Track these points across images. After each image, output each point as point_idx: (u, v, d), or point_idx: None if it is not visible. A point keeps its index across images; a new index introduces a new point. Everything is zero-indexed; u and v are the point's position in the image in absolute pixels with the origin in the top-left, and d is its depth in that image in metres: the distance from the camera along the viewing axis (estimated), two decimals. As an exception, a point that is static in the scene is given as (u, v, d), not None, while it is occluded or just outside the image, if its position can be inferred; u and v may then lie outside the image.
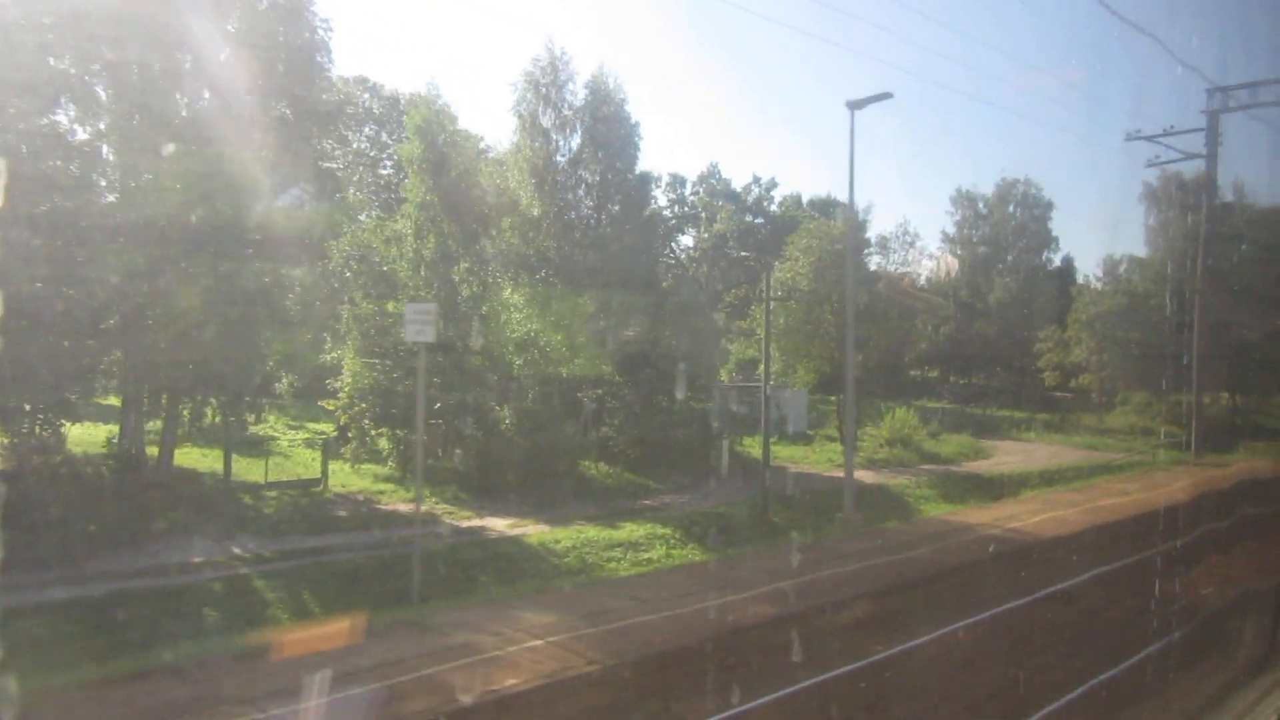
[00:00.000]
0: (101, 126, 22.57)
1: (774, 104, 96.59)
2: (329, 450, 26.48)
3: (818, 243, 34.47)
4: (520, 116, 31.92)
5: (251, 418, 38.45)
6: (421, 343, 14.87)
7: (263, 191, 23.10)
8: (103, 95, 22.40)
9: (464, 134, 33.18)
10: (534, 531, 21.12)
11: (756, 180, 60.14)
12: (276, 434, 35.03)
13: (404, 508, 23.09)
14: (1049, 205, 62.00)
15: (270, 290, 22.60)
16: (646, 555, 19.98)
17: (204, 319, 20.98)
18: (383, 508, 23.02)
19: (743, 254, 54.02)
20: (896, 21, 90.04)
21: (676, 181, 59.98)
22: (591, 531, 21.11)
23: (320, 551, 18.34)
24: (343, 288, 28.73)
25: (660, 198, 60.75)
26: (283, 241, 23.15)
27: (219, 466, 25.30)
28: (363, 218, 41.78)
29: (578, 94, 31.71)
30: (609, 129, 31.17)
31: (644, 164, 59.64)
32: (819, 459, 33.42)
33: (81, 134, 22.23)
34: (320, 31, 24.21)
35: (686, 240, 61.22)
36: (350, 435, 27.90)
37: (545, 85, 31.95)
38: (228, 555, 17.97)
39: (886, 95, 18.56)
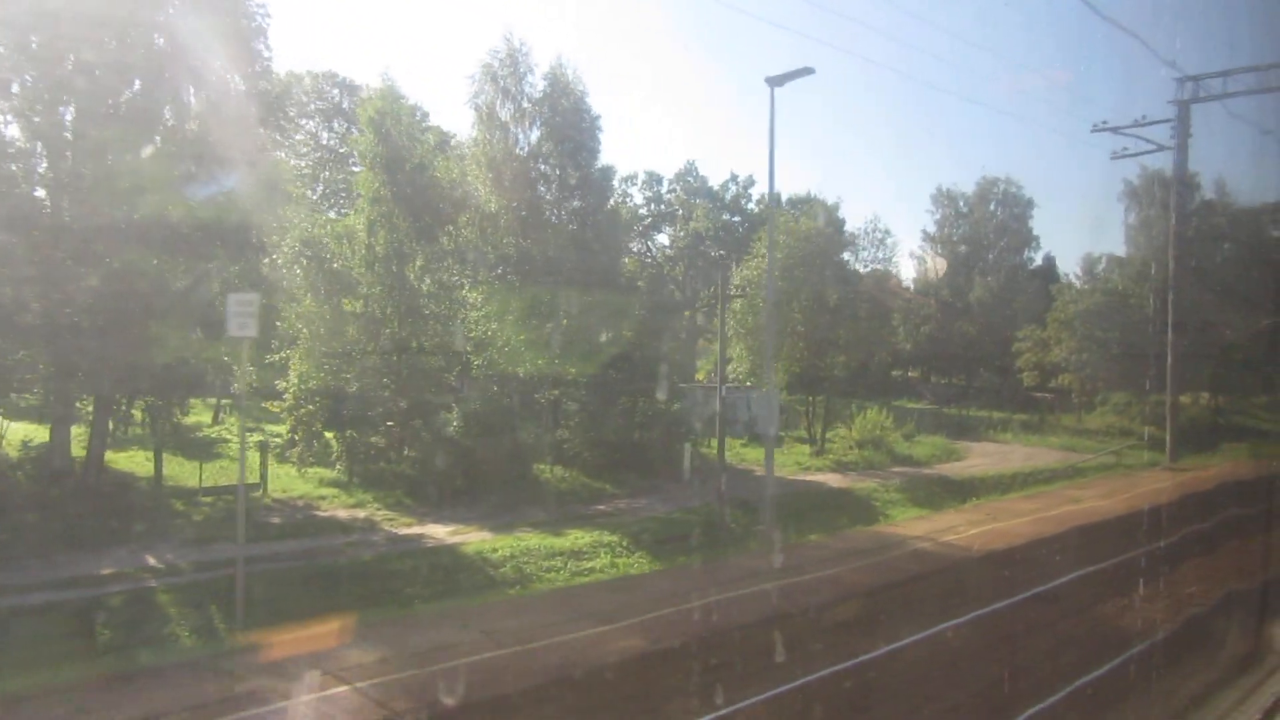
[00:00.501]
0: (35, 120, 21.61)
1: (755, 102, 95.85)
2: (269, 453, 25.43)
3: (785, 239, 33.57)
4: (477, 109, 30.98)
5: (209, 419, 37.73)
6: (245, 337, 13.57)
7: (194, 184, 22.15)
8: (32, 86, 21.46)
9: (421, 127, 32.26)
10: (475, 539, 20.16)
11: (734, 178, 59.19)
12: (230, 436, 33.99)
13: (343, 514, 22.16)
14: (1029, 203, 61.44)
15: (199, 287, 21.60)
16: (589, 564, 19.04)
17: (124, 318, 19.99)
18: (320, 514, 22.05)
19: (720, 253, 53.16)
20: (879, 18, 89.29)
21: (653, 179, 59.10)
22: (534, 539, 20.15)
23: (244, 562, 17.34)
24: (290, 285, 27.77)
25: (636, 195, 59.95)
26: (216, 236, 22.21)
27: (166, 470, 24.31)
28: (332, 214, 40.87)
29: (536, 86, 30.79)
30: (568, 121, 30.24)
31: (624, 164, 59.39)
32: (786, 461, 32.54)
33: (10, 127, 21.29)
34: (259, 19, 23.31)
35: (663, 239, 60.39)
36: (297, 438, 26.93)
37: (504, 77, 31.01)
38: (140, 567, 16.97)
39: (808, 71, 17.69)
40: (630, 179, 59.07)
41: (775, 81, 17.84)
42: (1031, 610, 12.54)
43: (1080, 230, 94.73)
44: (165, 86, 21.95)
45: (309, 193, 49.73)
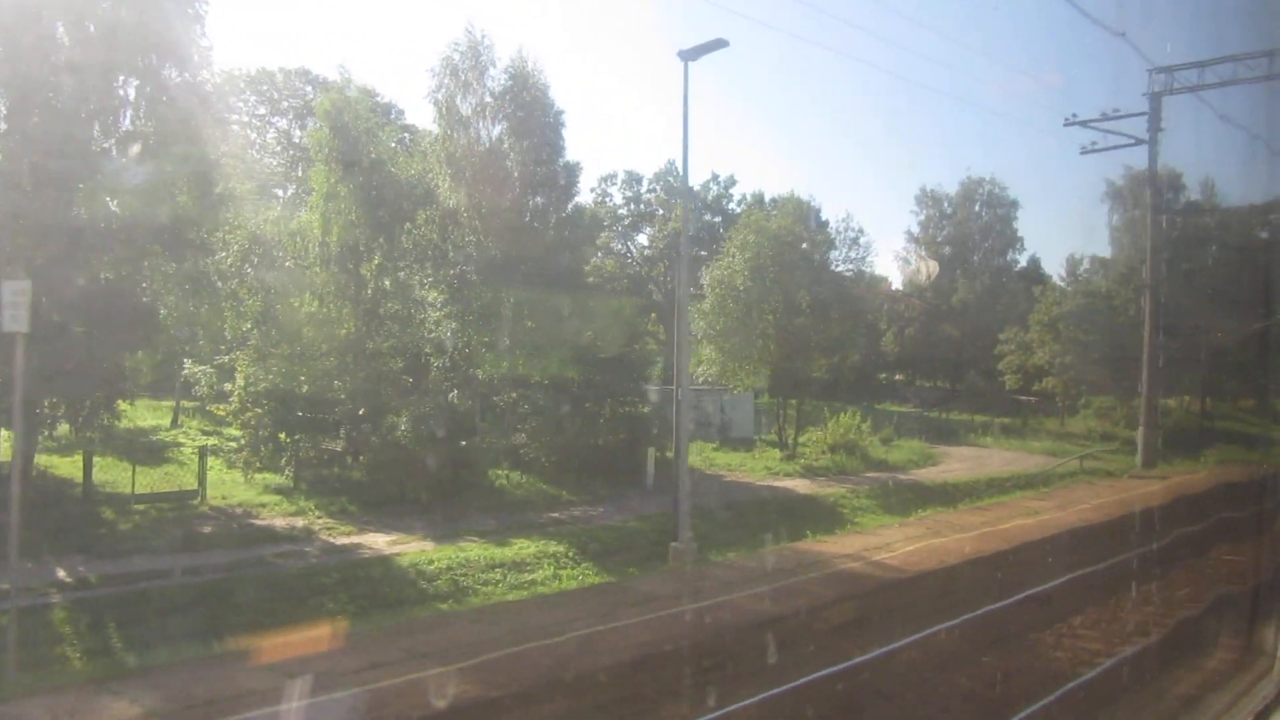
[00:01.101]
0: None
1: (736, 99, 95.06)
2: (219, 458, 24.48)
3: (754, 238, 32.65)
4: (437, 104, 30.06)
5: (166, 423, 36.70)
6: (18, 333, 11.94)
7: (127, 177, 21.21)
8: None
9: (380, 122, 31.39)
10: (414, 549, 19.23)
11: (715, 178, 58.40)
12: (185, 440, 32.97)
13: (281, 523, 21.17)
14: (1014, 204, 60.62)
15: (123, 288, 20.63)
16: (530, 577, 18.13)
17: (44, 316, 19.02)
18: (258, 522, 21.05)
19: (700, 253, 52.23)
20: (865, 19, 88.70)
21: (632, 178, 58.22)
22: (475, 550, 19.25)
23: (156, 575, 16.38)
24: (240, 284, 26.80)
25: (616, 195, 59.10)
26: (150, 233, 21.25)
27: (108, 476, 23.37)
28: (303, 213, 39.83)
29: (498, 80, 29.89)
30: (530, 115, 29.34)
31: (606, 164, 58.56)
32: (756, 466, 31.62)
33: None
34: (196, 6, 22.34)
35: (643, 239, 59.48)
36: (243, 443, 26.01)
37: (465, 70, 30.09)
38: (47, 581, 16.00)
39: (722, 43, 16.67)
40: (610, 178, 58.30)
41: (689, 55, 16.88)
42: (946, 645, 11.15)
43: (1065, 231, 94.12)
44: (97, 76, 21.00)
45: (280, 191, 48.78)
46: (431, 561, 17.96)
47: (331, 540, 19.82)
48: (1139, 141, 25.80)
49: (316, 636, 10.50)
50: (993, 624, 11.82)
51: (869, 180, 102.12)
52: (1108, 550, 14.21)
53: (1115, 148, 26.24)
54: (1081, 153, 26.51)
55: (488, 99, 30.17)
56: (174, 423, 36.95)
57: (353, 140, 27.86)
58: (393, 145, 32.06)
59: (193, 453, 30.44)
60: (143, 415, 39.22)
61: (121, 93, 21.81)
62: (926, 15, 79.84)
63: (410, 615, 13.36)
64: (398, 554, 18.72)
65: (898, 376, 64.45)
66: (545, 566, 18.62)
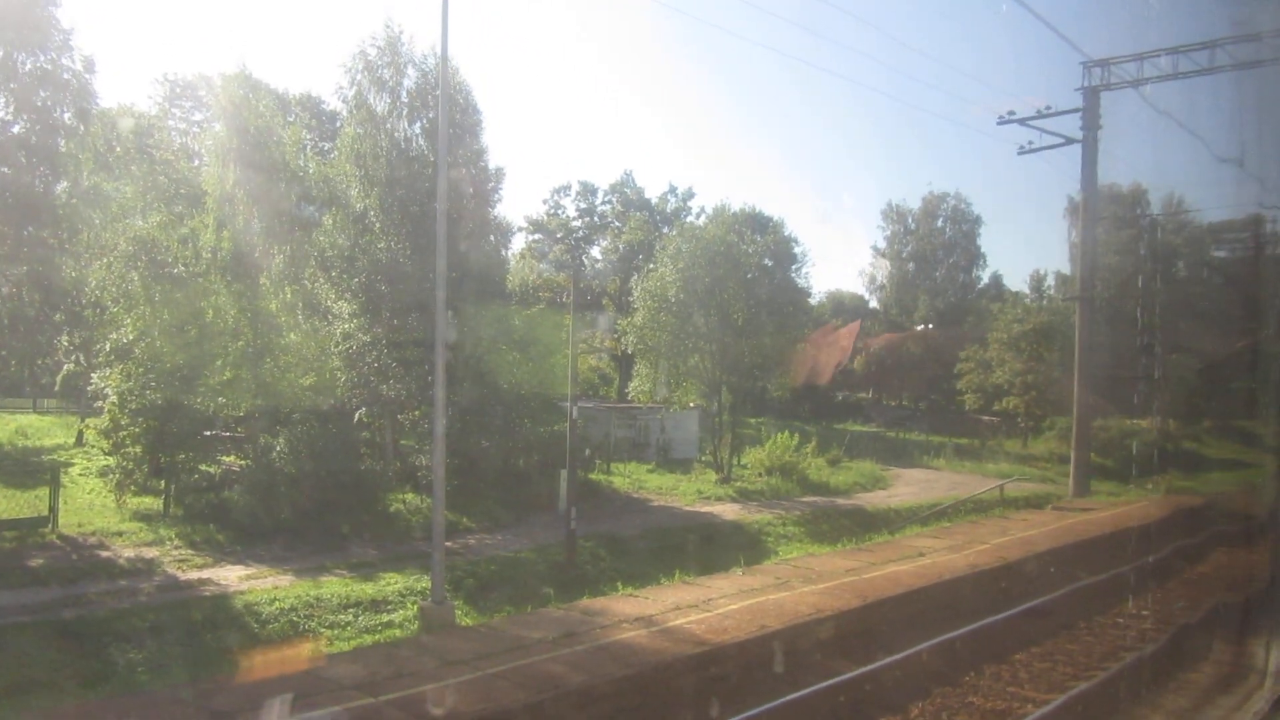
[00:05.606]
0: None
1: (703, 109, 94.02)
2: (58, 480, 22.30)
3: (688, 246, 30.86)
4: (346, 101, 28.22)
5: (73, 440, 34.43)
6: None
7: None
8: None
9: (284, 120, 29.53)
10: (266, 586, 17.18)
11: (673, 190, 56.75)
12: (83, 461, 30.65)
13: (129, 554, 19.05)
14: (978, 220, 59.25)
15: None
16: (387, 618, 16.16)
17: None
18: (104, 554, 18.93)
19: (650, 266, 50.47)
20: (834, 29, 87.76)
21: (587, 190, 56.41)
22: (335, 586, 17.24)
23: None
24: (121, 291, 24.80)
25: (569, 207, 57.39)
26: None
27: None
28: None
29: (413, 78, 28.12)
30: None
31: (560, 177, 56.75)
32: (688, 490, 29.65)
33: None
34: (49, -13, 20.48)
35: (596, 252, 57.65)
36: (115, 464, 23.94)
37: (381, 67, 28.30)
38: None
39: None
40: (563, 189, 56.57)
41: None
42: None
43: (1031, 247, 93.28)
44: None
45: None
46: (274, 601, 15.92)
47: (177, 575, 17.73)
48: (1070, 141, 24.21)
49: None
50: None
51: (848, 198, 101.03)
52: (986, 606, 12.19)
53: (1050, 147, 24.68)
54: (1019, 153, 24.97)
55: (404, 98, 28.40)
56: (78, 441, 34.55)
57: (252, 139, 26.00)
58: (307, 142, 30.32)
59: (81, 474, 28.31)
60: (52, 433, 37.00)
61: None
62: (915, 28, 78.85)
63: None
64: (243, 591, 16.66)
65: (861, 395, 62.74)
66: (409, 605, 16.61)
